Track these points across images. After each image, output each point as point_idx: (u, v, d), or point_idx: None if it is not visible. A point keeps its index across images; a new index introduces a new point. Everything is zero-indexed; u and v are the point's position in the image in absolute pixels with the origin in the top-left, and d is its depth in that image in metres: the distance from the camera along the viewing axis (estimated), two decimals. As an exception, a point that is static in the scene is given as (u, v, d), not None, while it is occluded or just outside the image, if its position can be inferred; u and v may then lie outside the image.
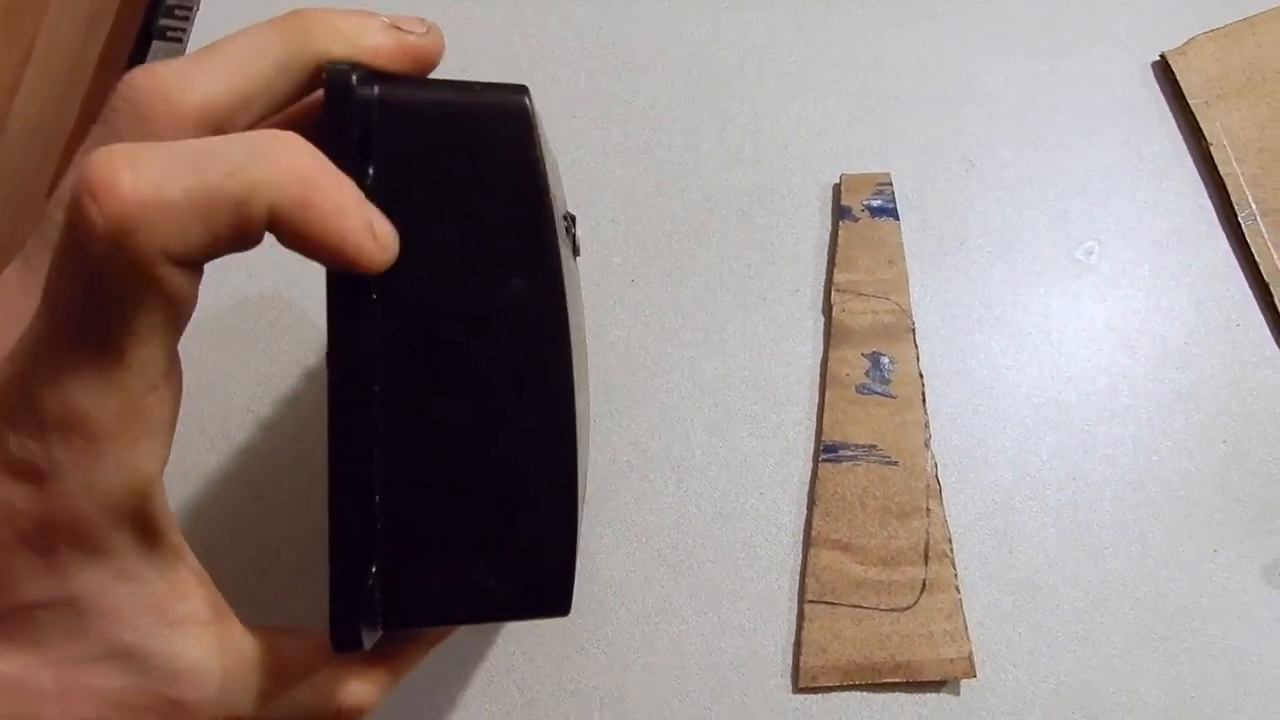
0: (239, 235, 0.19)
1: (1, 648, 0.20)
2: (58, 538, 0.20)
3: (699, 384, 0.40)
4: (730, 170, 0.45)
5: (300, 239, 0.19)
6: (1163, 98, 0.46)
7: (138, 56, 0.60)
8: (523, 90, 0.23)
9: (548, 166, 0.24)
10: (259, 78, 0.21)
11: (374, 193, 0.22)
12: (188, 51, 0.39)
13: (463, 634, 0.37)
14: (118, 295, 0.18)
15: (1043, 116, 0.46)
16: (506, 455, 0.23)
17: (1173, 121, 0.45)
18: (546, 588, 0.24)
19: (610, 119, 0.45)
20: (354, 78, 0.21)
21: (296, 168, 0.19)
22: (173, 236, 0.18)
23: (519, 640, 0.37)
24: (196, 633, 0.21)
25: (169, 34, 0.53)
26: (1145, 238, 0.44)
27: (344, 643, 0.21)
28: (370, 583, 0.22)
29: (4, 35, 0.54)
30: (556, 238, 0.23)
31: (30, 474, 0.19)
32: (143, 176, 0.18)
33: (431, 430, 0.23)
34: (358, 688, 0.24)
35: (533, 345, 0.23)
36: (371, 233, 0.20)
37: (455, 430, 0.23)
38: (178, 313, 0.19)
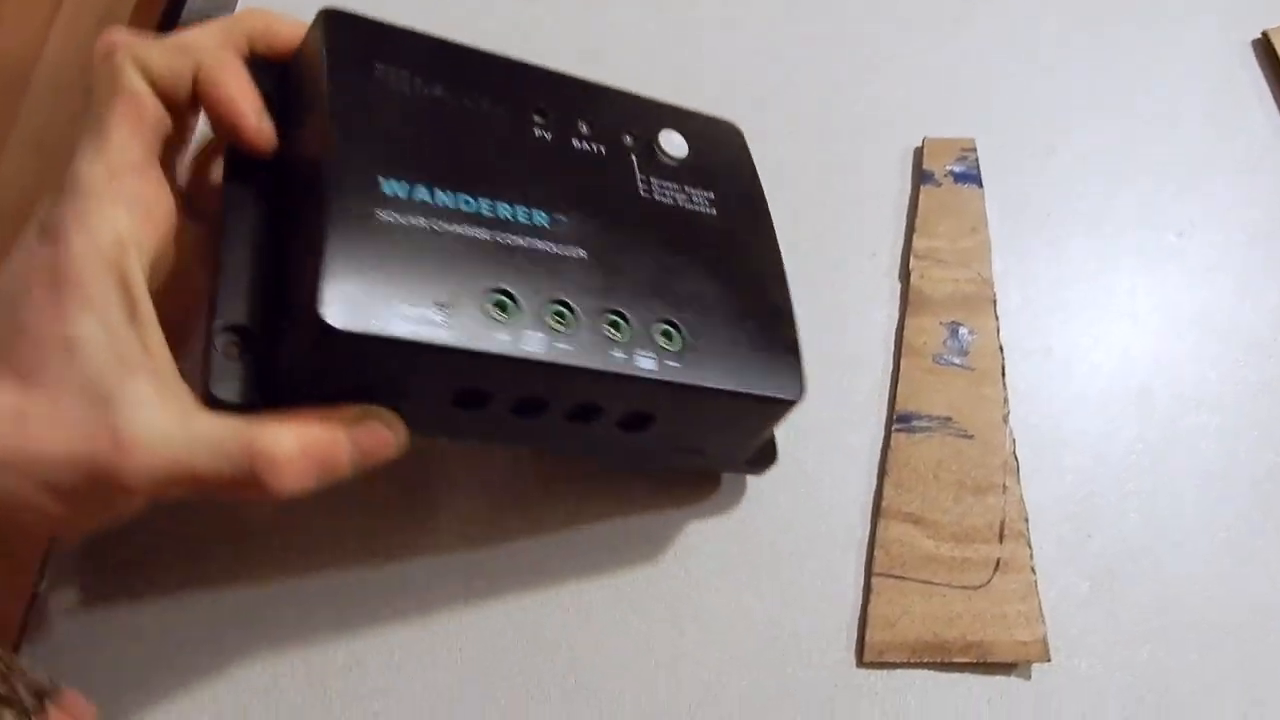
0: (177, 72, 0.29)
1: (13, 380, 0.25)
2: (65, 287, 0.26)
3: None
4: (811, 131, 0.43)
5: (209, 98, 0.29)
6: (1262, 77, 0.44)
7: (171, 11, 0.59)
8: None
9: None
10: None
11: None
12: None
13: (514, 588, 0.35)
14: (103, 93, 0.28)
15: (1134, 92, 0.44)
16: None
17: (1273, 103, 0.43)
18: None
19: (687, 80, 0.44)
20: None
21: (222, 62, 0.30)
22: (140, 56, 0.28)
23: (574, 601, 0.35)
24: (153, 383, 0.26)
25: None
26: (1237, 224, 0.42)
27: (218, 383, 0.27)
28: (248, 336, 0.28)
29: (32, -9, 0.53)
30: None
31: (51, 235, 0.26)
32: (128, 33, 0.29)
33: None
34: (275, 433, 0.27)
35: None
36: (258, 120, 0.30)
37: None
38: (142, 111, 0.28)
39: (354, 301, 0.26)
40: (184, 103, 0.29)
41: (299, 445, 0.27)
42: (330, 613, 0.35)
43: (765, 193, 0.40)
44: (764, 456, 0.37)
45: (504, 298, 0.28)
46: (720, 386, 0.31)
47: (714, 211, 0.34)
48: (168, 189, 0.29)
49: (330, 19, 0.31)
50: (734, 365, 0.31)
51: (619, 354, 0.29)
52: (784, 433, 0.38)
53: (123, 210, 0.27)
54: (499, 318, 0.28)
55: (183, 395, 0.27)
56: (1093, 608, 0.36)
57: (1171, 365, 0.40)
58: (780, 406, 0.33)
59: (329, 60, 0.30)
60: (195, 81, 0.29)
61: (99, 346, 0.26)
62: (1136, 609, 0.36)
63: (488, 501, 0.36)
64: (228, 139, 0.30)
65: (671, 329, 0.31)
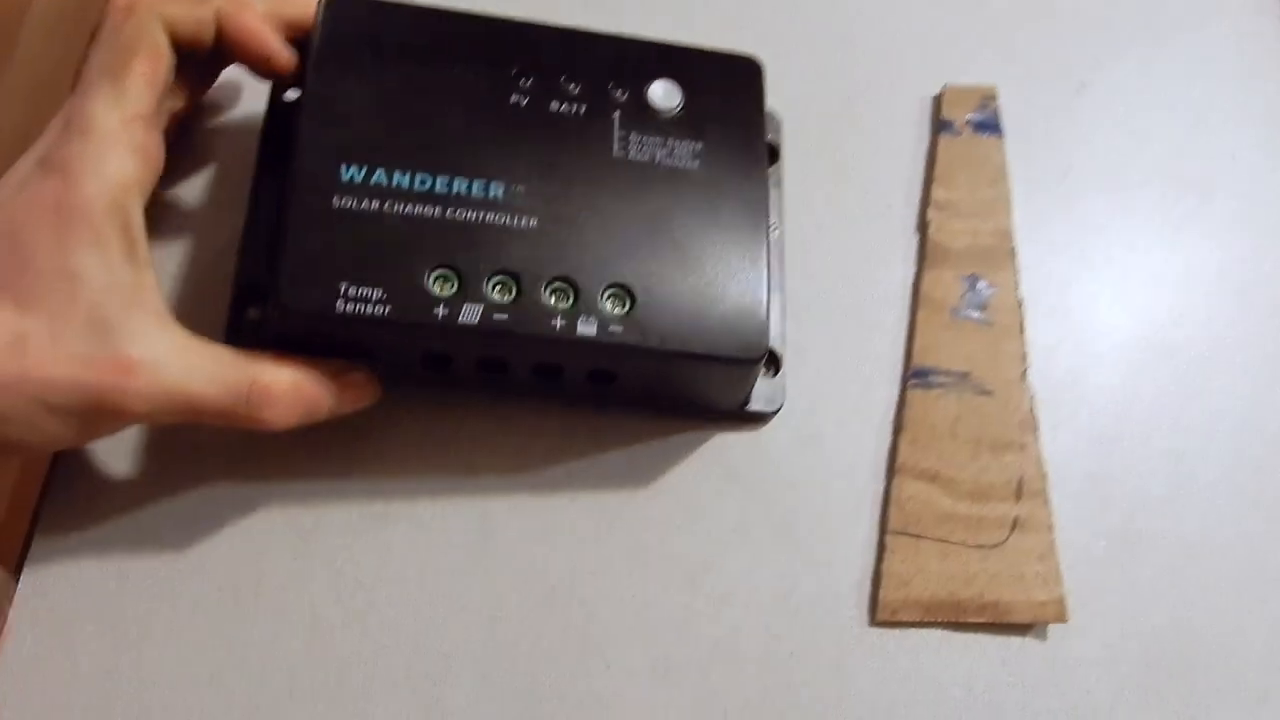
0: (200, 20, 0.31)
1: (13, 307, 0.26)
2: (71, 221, 0.27)
3: (782, 301, 0.38)
4: (825, 75, 0.42)
5: (235, 33, 0.32)
6: (1293, 29, 0.43)
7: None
8: None
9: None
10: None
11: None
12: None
13: (524, 543, 0.34)
14: (126, 42, 0.29)
15: (1161, 43, 0.43)
16: None
17: (1303, 55, 0.42)
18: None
19: (695, 14, 0.42)
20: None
21: (240, 3, 0.32)
22: (165, 13, 0.30)
23: (585, 557, 0.34)
24: (151, 319, 0.28)
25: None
26: (1264, 180, 0.41)
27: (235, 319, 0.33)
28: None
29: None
30: None
31: (58, 169, 0.28)
32: None
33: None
34: (273, 369, 0.30)
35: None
36: (281, 45, 0.33)
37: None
38: (159, 66, 0.30)
39: (306, 284, 0.30)
40: (208, 48, 0.32)
41: (292, 382, 0.30)
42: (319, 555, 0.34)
43: (770, 134, 0.39)
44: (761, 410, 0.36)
45: (447, 271, 0.31)
46: (668, 348, 0.31)
47: (697, 164, 0.34)
48: (162, 140, 0.31)
49: (328, 6, 0.34)
50: (688, 326, 0.32)
51: (559, 321, 0.31)
52: (797, 388, 0.37)
53: (131, 157, 0.29)
54: (439, 292, 0.30)
55: (178, 329, 0.29)
56: (1111, 567, 0.35)
57: (1192, 324, 0.39)
58: (742, 365, 0.33)
59: (317, 45, 0.33)
60: (219, 23, 0.32)
61: (101, 280, 0.27)
62: (1154, 569, 0.35)
63: (500, 457, 0.35)
64: (258, 70, 0.34)
65: (622, 293, 0.32)
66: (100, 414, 0.27)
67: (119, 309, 0.27)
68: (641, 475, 0.35)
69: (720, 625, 0.34)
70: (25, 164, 0.29)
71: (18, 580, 0.33)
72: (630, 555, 0.34)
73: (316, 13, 0.33)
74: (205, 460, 0.35)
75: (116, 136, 0.29)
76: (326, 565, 0.34)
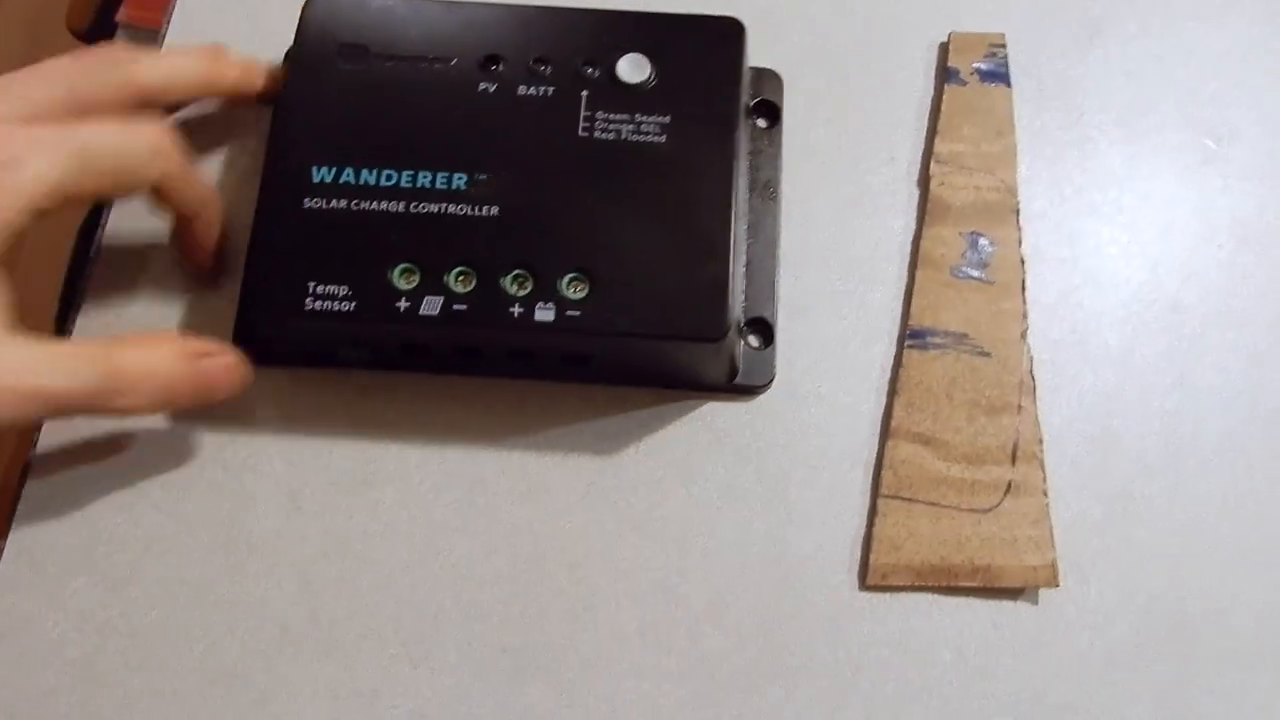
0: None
1: None
2: None
3: (774, 268, 0.37)
4: (827, 27, 0.40)
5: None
6: (1323, -32, 0.40)
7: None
8: None
9: None
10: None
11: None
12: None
13: (514, 505, 0.34)
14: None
15: (1179, -18, 0.41)
16: None
17: (1332, -4, 0.40)
18: None
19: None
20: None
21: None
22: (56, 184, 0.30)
23: (575, 519, 0.34)
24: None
25: None
26: (1282, 127, 0.39)
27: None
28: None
29: None
30: None
31: None
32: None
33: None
34: (129, 356, 0.30)
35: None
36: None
37: None
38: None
39: (276, 286, 0.32)
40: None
41: (144, 370, 0.30)
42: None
43: (768, 94, 0.38)
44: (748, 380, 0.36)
45: (409, 266, 0.31)
46: (626, 330, 0.31)
47: (664, 138, 0.33)
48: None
49: (308, 9, 0.35)
50: (646, 307, 0.31)
51: (517, 309, 0.31)
52: (792, 347, 0.36)
53: None
54: (402, 286, 0.31)
55: (22, 332, 0.29)
56: (1106, 531, 0.35)
57: (1203, 279, 0.37)
58: (703, 344, 0.32)
59: (294, 53, 0.35)
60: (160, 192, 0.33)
61: None
62: (1152, 533, 0.35)
63: (488, 420, 0.35)
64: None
65: (582, 277, 0.32)
66: None
67: None
68: (630, 439, 0.35)
69: (710, 588, 0.34)
70: None
71: (6, 535, 0.34)
72: (619, 518, 0.34)
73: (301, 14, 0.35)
74: (194, 420, 0.35)
75: None
76: (316, 523, 0.34)
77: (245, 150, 0.38)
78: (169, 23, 0.41)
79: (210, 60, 0.35)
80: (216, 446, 0.35)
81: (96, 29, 0.97)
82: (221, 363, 0.32)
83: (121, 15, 0.97)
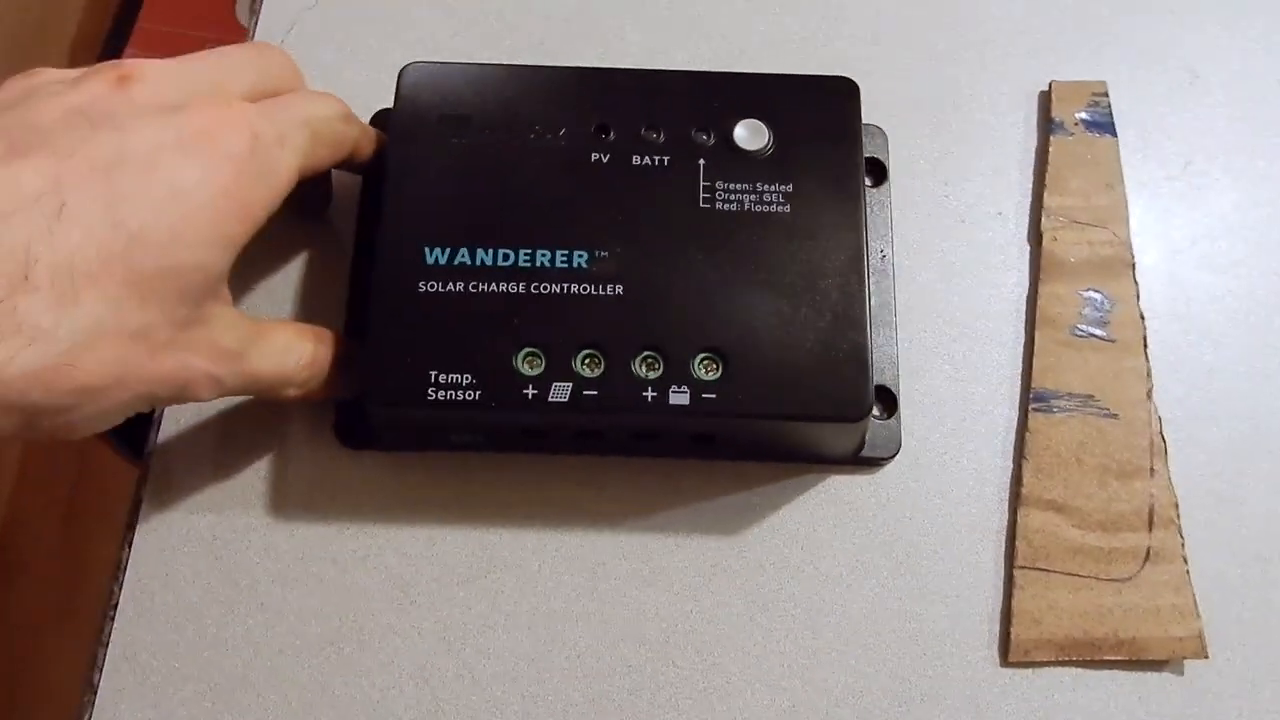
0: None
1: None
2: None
3: (893, 334, 0.36)
4: (922, 67, 0.39)
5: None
6: None
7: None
8: None
9: None
10: None
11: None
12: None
13: (634, 587, 0.33)
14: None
15: (1273, 23, 0.40)
16: None
17: None
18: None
19: (783, 35, 0.40)
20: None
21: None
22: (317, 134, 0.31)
23: (696, 599, 0.33)
24: (229, 308, 0.29)
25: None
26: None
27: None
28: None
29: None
30: None
31: None
32: None
33: None
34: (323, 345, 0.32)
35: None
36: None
37: None
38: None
39: (394, 375, 0.30)
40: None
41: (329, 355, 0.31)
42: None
43: (874, 152, 0.37)
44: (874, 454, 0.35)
45: (534, 350, 0.30)
46: (763, 412, 0.30)
47: (788, 208, 0.32)
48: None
49: (404, 76, 0.33)
50: (784, 387, 0.30)
51: (650, 393, 0.30)
52: (912, 414, 0.35)
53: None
54: (528, 372, 0.30)
55: (242, 314, 0.30)
56: (1244, 596, 0.34)
57: (1324, 327, 0.37)
58: (842, 424, 0.31)
59: (394, 127, 0.33)
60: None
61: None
62: (1292, 596, 0.34)
63: (604, 502, 0.34)
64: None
65: (714, 357, 0.30)
66: (173, 400, 0.30)
67: (209, 301, 0.28)
68: (754, 517, 0.34)
69: (845, 669, 0.33)
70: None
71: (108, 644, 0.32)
72: (746, 600, 0.33)
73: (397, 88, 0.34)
74: (297, 509, 0.34)
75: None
76: (430, 615, 0.33)
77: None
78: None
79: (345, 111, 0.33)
80: (322, 539, 0.33)
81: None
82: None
83: (127, 55, 0.96)
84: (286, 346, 0.30)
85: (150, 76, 0.27)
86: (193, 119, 0.27)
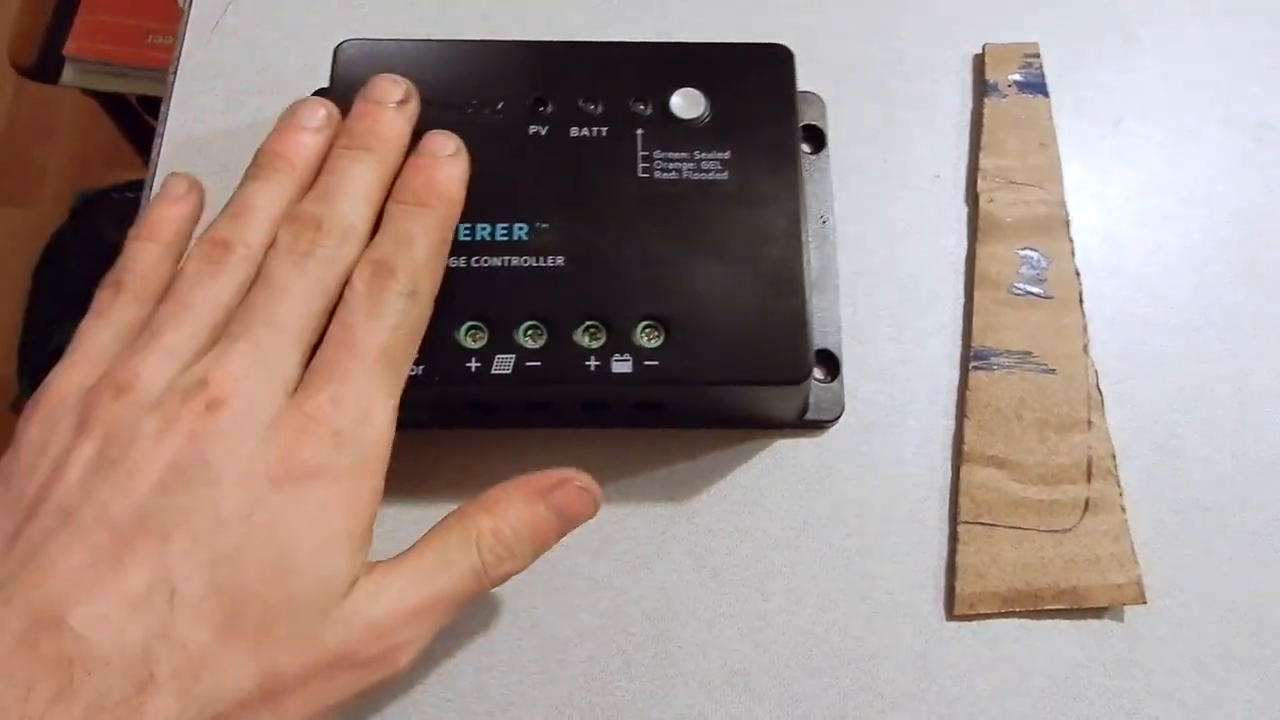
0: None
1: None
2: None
3: (835, 298, 0.36)
4: (859, 34, 0.40)
5: None
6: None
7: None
8: None
9: None
10: None
11: None
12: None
13: (583, 553, 0.33)
14: (414, 327, 0.29)
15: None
16: None
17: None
18: None
19: (719, 3, 0.40)
20: None
21: None
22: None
23: (647, 566, 0.33)
24: (374, 574, 0.27)
25: None
26: (1318, 122, 0.39)
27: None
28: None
29: None
30: None
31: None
32: None
33: None
34: (486, 520, 0.28)
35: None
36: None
37: None
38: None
39: None
40: None
41: (511, 530, 0.28)
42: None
43: (813, 119, 0.38)
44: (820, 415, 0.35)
45: (476, 324, 0.30)
46: (705, 378, 0.30)
47: (726, 175, 0.32)
48: None
49: (339, 54, 0.33)
50: (724, 352, 0.30)
51: (593, 362, 0.30)
52: (854, 377, 0.36)
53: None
54: (471, 345, 0.30)
55: (380, 567, 0.27)
56: (1183, 543, 0.34)
57: (1258, 278, 0.37)
58: (784, 388, 0.31)
59: (330, 98, 0.32)
60: None
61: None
62: (1228, 541, 0.35)
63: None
64: None
65: (656, 325, 0.31)
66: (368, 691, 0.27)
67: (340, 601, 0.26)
68: (702, 483, 0.34)
69: (795, 629, 0.33)
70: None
71: None
72: (697, 564, 0.34)
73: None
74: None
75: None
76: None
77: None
78: (179, 62, 0.39)
79: None
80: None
81: (43, 64, 0.93)
82: (574, 489, 0.29)
83: (69, 48, 0.94)
84: (443, 551, 0.28)
85: (240, 392, 0.26)
86: (273, 449, 0.25)
